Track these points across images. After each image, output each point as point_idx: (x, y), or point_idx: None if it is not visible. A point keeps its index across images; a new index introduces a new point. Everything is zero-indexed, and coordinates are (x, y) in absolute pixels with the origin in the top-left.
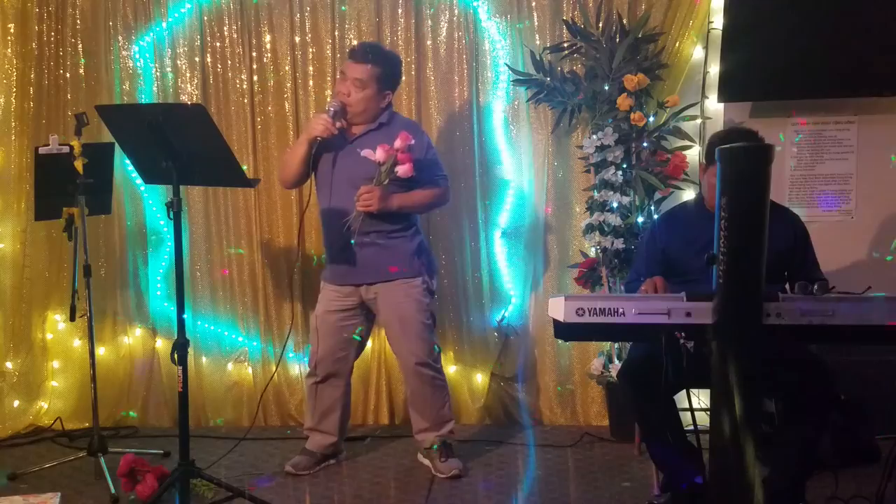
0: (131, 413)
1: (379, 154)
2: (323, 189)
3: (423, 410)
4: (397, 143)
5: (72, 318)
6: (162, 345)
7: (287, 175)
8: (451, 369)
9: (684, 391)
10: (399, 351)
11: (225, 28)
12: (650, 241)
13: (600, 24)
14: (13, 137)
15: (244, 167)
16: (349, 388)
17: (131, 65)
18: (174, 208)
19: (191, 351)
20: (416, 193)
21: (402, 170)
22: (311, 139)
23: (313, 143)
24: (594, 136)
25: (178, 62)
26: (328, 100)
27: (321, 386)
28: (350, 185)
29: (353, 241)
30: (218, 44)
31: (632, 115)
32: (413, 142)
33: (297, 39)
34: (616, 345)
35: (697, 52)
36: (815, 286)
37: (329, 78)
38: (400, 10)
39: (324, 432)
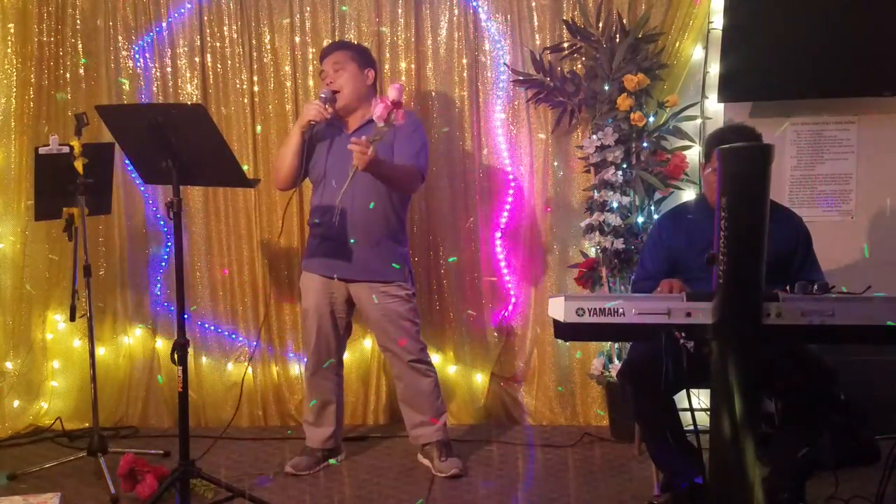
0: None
1: (380, 110)
2: (320, 182)
3: (418, 404)
4: (392, 94)
5: (72, 318)
6: (162, 345)
7: (282, 171)
8: (450, 369)
9: (684, 391)
10: (392, 349)
11: (225, 28)
12: (656, 239)
13: (600, 24)
14: (13, 137)
15: (244, 167)
16: (342, 380)
17: (131, 65)
18: (174, 208)
19: (191, 351)
20: (399, 165)
21: (398, 115)
22: (304, 125)
23: (307, 130)
24: (594, 136)
25: (178, 62)
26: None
27: (315, 378)
28: (346, 179)
29: (352, 241)
30: (218, 44)
31: (632, 115)
32: (401, 90)
33: (297, 39)
34: (616, 345)
35: (697, 52)
36: (815, 286)
37: None
38: (400, 11)
39: (322, 425)
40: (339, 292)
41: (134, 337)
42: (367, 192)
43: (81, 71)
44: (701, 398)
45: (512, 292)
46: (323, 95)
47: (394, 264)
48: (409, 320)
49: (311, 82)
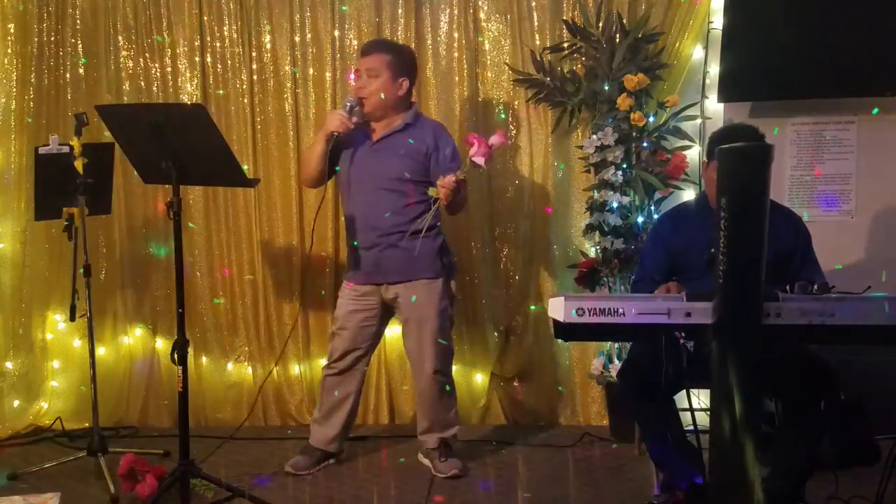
0: None
1: (484, 156)
2: (346, 189)
3: (429, 414)
4: (495, 141)
5: (72, 318)
6: (162, 345)
7: (307, 173)
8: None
9: (684, 391)
10: (416, 355)
11: (225, 28)
12: (655, 240)
13: (600, 24)
14: (13, 137)
15: (244, 167)
16: (361, 387)
17: (131, 65)
18: (174, 208)
19: (191, 351)
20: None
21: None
22: (328, 135)
23: (330, 139)
24: (594, 136)
25: (178, 62)
26: (328, 97)
27: (336, 379)
28: (375, 186)
29: (385, 244)
30: (218, 44)
31: (632, 115)
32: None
33: (297, 39)
34: (616, 345)
35: (697, 52)
36: (815, 286)
37: (328, 77)
38: (400, 11)
39: (330, 425)
40: (371, 298)
41: (134, 337)
42: (388, 195)
43: (81, 71)
44: (701, 398)
45: (511, 292)
46: (348, 104)
47: (422, 259)
48: (438, 324)
49: (311, 83)
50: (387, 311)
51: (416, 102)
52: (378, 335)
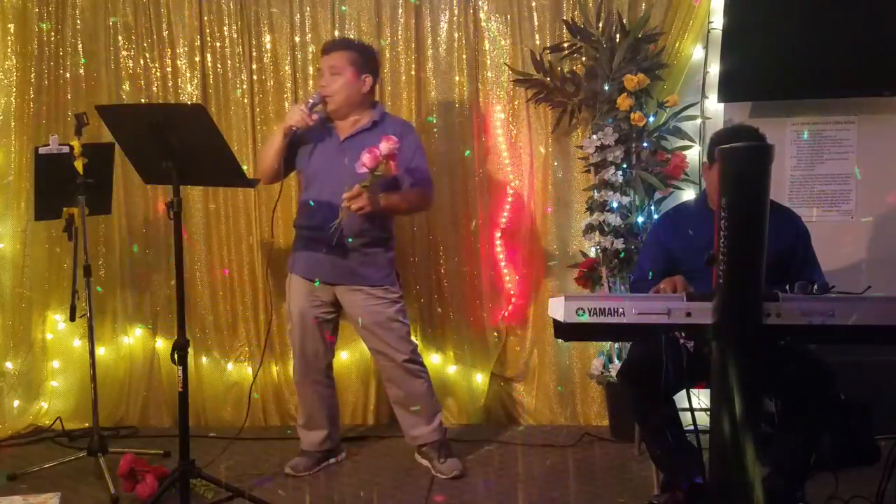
0: None
1: (367, 160)
2: (309, 185)
3: (413, 405)
4: (384, 148)
5: (72, 318)
6: (162, 345)
7: (263, 166)
8: (450, 369)
9: (684, 391)
10: (384, 352)
11: (225, 28)
12: (654, 239)
13: (600, 24)
14: (13, 137)
15: (244, 167)
16: (332, 382)
17: (131, 65)
18: (174, 208)
19: (191, 351)
20: (401, 194)
21: (391, 166)
22: (286, 129)
23: (288, 134)
24: (594, 136)
25: (178, 62)
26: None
27: (301, 383)
28: (337, 183)
29: (350, 240)
30: (218, 44)
31: (632, 115)
32: (399, 144)
33: (297, 39)
34: (616, 345)
35: (697, 52)
36: (815, 286)
37: None
38: (400, 10)
39: (315, 429)
40: (324, 295)
41: (134, 337)
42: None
43: (81, 71)
44: (701, 398)
45: (512, 292)
46: (311, 101)
47: (379, 269)
48: (397, 321)
49: (311, 83)
50: (338, 307)
51: (380, 102)
52: (334, 330)
